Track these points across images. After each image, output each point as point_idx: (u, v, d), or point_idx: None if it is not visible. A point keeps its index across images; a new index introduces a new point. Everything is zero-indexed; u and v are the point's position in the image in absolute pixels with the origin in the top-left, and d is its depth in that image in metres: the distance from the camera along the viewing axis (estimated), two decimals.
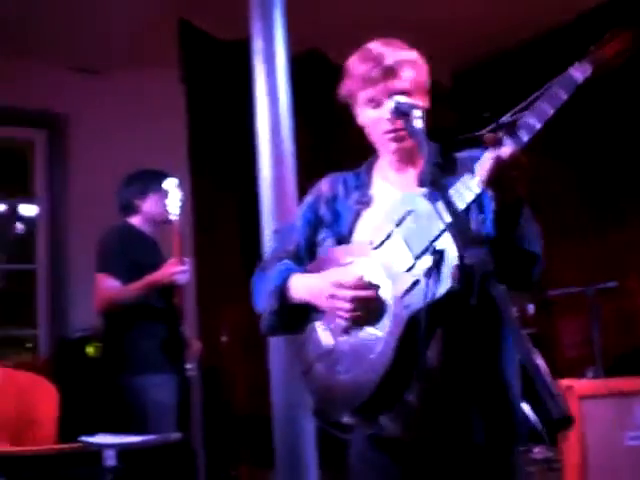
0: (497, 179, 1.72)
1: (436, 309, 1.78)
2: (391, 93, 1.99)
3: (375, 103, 2.04)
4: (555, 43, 6.54)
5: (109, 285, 3.91)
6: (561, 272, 6.12)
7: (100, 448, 2.96)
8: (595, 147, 6.03)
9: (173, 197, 3.98)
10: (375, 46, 2.07)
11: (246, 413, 5.65)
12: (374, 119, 2.06)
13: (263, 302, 2.14)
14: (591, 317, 4.64)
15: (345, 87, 2.12)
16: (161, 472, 3.74)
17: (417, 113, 1.89)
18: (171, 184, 4.00)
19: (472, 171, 2.03)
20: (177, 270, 3.91)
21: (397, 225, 1.91)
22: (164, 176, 4.14)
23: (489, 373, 1.95)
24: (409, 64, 2.04)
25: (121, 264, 3.94)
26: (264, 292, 2.14)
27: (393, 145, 2.06)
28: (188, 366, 4.02)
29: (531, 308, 5.30)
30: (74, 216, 5.75)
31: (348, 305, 1.91)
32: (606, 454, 3.84)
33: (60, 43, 5.53)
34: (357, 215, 2.11)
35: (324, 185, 2.23)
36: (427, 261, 1.80)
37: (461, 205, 1.78)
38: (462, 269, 1.60)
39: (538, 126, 1.72)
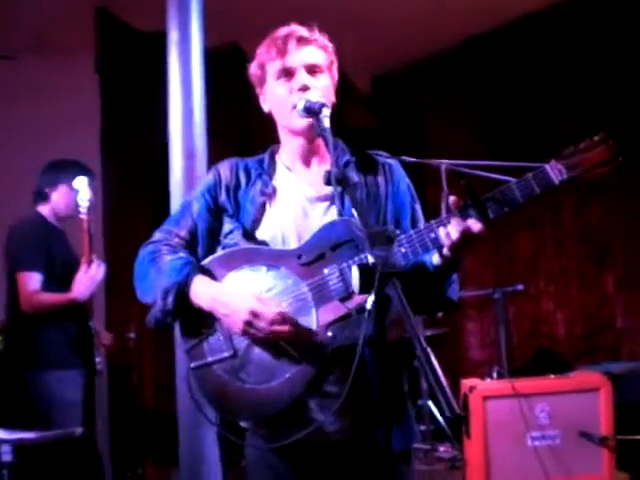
0: (460, 248, 1.79)
1: (368, 344, 1.76)
2: (304, 63, 1.98)
3: (287, 74, 1.99)
4: (475, 51, 6.67)
5: (34, 287, 3.79)
6: (471, 274, 6.24)
7: None
8: (512, 150, 6.15)
9: (82, 196, 3.88)
10: (287, 26, 2.04)
11: (152, 411, 5.58)
12: (283, 95, 2.00)
13: (153, 295, 2.00)
14: (497, 319, 4.74)
15: (256, 63, 2.06)
16: (65, 469, 3.66)
17: (326, 112, 1.89)
18: (81, 182, 3.89)
19: (387, 180, 2.05)
20: (86, 281, 3.84)
21: (332, 249, 1.89)
22: (80, 169, 4.05)
23: (391, 385, 1.96)
24: (321, 46, 2.03)
25: (40, 258, 3.84)
26: (156, 285, 2.00)
27: (301, 122, 1.97)
28: (97, 360, 3.94)
29: None
30: None
31: (262, 335, 1.88)
32: (509, 454, 3.90)
33: None
34: (262, 208, 2.04)
35: (224, 170, 2.12)
36: (363, 297, 1.73)
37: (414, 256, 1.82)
38: (365, 267, 1.58)
39: (506, 210, 1.78)
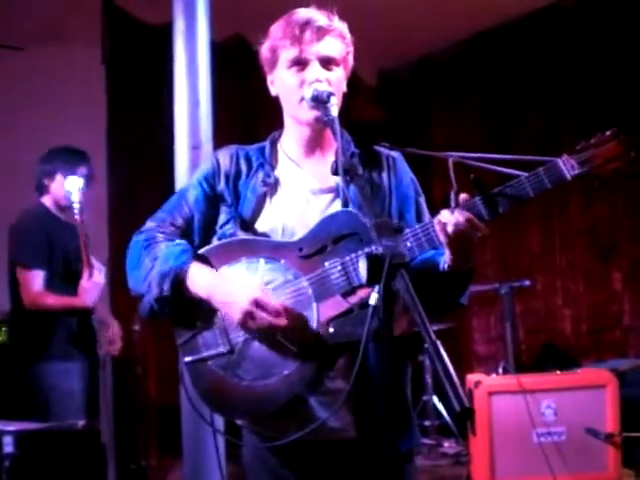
0: (460, 244, 1.73)
1: (370, 341, 1.72)
2: (319, 56, 1.91)
3: (300, 65, 1.91)
4: (483, 47, 6.66)
5: (38, 287, 3.78)
6: (478, 269, 6.21)
7: None
8: (520, 146, 6.13)
9: (74, 198, 3.78)
10: (306, 10, 1.95)
11: (156, 403, 5.57)
12: (293, 86, 1.93)
13: (147, 283, 1.92)
14: (504, 314, 4.71)
15: (268, 46, 1.97)
16: (67, 461, 3.65)
17: (334, 101, 1.85)
18: (73, 184, 3.80)
19: (391, 173, 2.01)
20: (91, 288, 3.82)
21: (334, 242, 1.83)
22: (75, 155, 4.01)
23: (393, 383, 1.90)
24: (339, 35, 1.95)
25: (42, 254, 3.82)
26: (151, 271, 1.92)
27: (309, 114, 1.91)
28: (100, 352, 3.93)
29: None
30: None
31: (261, 327, 1.81)
32: (514, 450, 3.89)
33: None
34: (263, 199, 1.98)
35: (224, 158, 2.04)
36: (366, 292, 1.72)
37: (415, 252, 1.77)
38: (373, 257, 1.52)
39: (516, 204, 1.73)
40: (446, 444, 5.60)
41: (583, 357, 5.66)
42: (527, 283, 4.84)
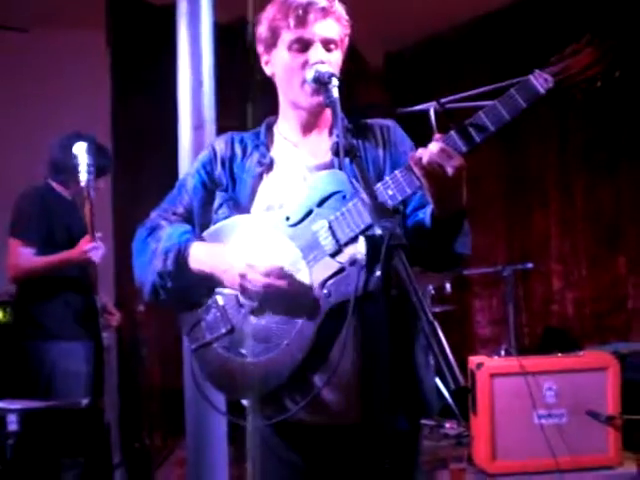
0: (438, 172, 1.68)
1: (364, 300, 1.72)
2: (322, 38, 1.91)
3: (301, 46, 1.92)
4: (492, 28, 6.62)
5: (20, 255, 3.81)
6: (481, 251, 6.21)
7: (2, 412, 2.89)
8: (521, 130, 6.11)
9: (82, 163, 3.78)
10: None
11: (160, 383, 5.60)
12: (294, 67, 1.93)
13: (152, 264, 1.96)
14: (507, 297, 4.73)
15: (267, 26, 1.97)
16: (71, 440, 3.69)
17: (335, 82, 1.85)
18: (80, 149, 3.79)
19: (385, 142, 2.02)
20: (89, 248, 3.82)
21: (319, 205, 1.85)
22: (94, 144, 4.01)
23: (401, 357, 1.88)
24: (339, 16, 1.96)
25: (35, 230, 3.83)
26: (157, 250, 1.96)
27: (310, 100, 1.93)
28: (104, 334, 3.95)
29: (448, 286, 5.37)
30: None
31: (258, 290, 1.83)
32: (515, 431, 3.91)
33: None
34: (259, 179, 1.99)
35: (219, 144, 2.07)
36: (354, 249, 1.75)
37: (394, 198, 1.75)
38: (370, 238, 1.51)
39: (492, 129, 1.69)
40: (447, 425, 5.61)
41: (586, 340, 5.66)
42: (530, 266, 4.85)
